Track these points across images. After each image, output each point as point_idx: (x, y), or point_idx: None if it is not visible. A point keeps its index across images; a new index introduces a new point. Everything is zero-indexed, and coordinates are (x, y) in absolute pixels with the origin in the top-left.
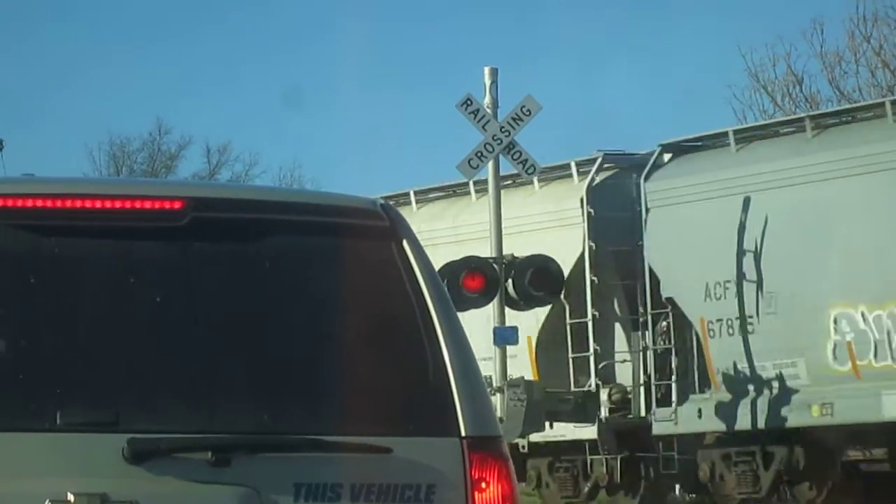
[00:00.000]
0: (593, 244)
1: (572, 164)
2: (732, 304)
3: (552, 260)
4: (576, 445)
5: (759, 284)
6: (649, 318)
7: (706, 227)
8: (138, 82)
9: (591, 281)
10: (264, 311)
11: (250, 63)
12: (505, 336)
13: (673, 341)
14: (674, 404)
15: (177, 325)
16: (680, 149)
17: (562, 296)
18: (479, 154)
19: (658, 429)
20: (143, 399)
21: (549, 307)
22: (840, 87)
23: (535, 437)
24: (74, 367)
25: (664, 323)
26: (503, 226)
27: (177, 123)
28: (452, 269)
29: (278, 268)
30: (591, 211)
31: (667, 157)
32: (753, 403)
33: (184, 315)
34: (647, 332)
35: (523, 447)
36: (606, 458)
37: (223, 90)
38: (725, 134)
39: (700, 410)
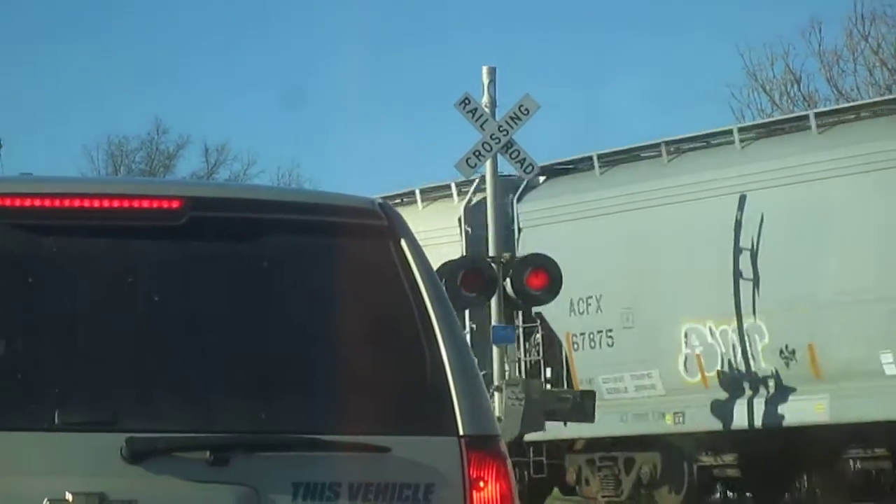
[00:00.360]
0: None
1: (452, 186)
2: (594, 318)
3: (550, 259)
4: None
5: (618, 300)
6: (521, 331)
7: (571, 245)
8: (136, 81)
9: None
10: (262, 310)
11: (248, 62)
12: (503, 335)
13: (542, 353)
14: None
15: (175, 324)
16: (552, 171)
17: None
18: (476, 153)
19: (530, 436)
20: (141, 398)
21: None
22: (838, 85)
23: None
24: (73, 366)
25: (537, 336)
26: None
27: (175, 123)
28: (451, 268)
29: (276, 267)
30: (469, 229)
31: (541, 179)
32: (616, 412)
33: (182, 314)
34: (520, 345)
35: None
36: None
37: (221, 90)
38: (590, 158)
39: None
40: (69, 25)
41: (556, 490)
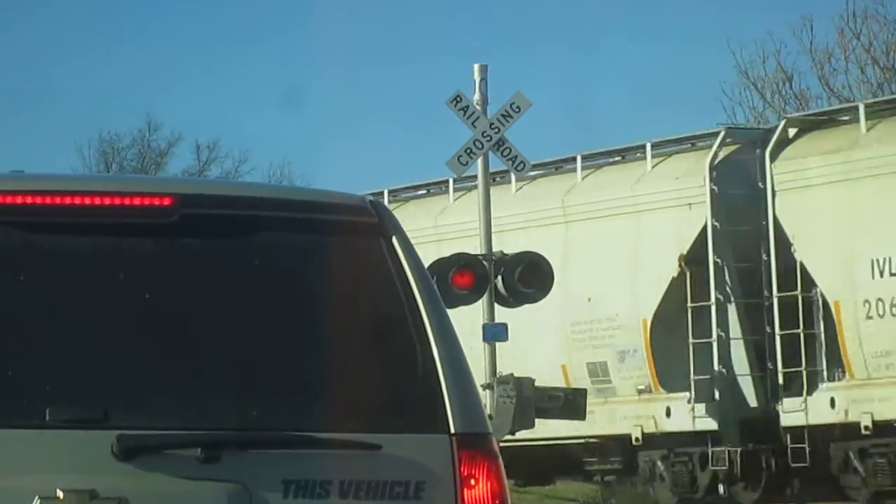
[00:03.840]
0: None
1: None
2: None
3: (542, 257)
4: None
5: None
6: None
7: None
8: (128, 79)
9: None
10: (253, 307)
11: (240, 60)
12: (494, 333)
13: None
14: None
15: (166, 321)
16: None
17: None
18: (468, 151)
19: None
20: (132, 395)
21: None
22: (830, 84)
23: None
24: (64, 363)
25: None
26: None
27: (167, 120)
28: (442, 265)
29: (267, 264)
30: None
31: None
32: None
33: (173, 312)
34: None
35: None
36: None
37: (213, 87)
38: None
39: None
40: (60, 22)
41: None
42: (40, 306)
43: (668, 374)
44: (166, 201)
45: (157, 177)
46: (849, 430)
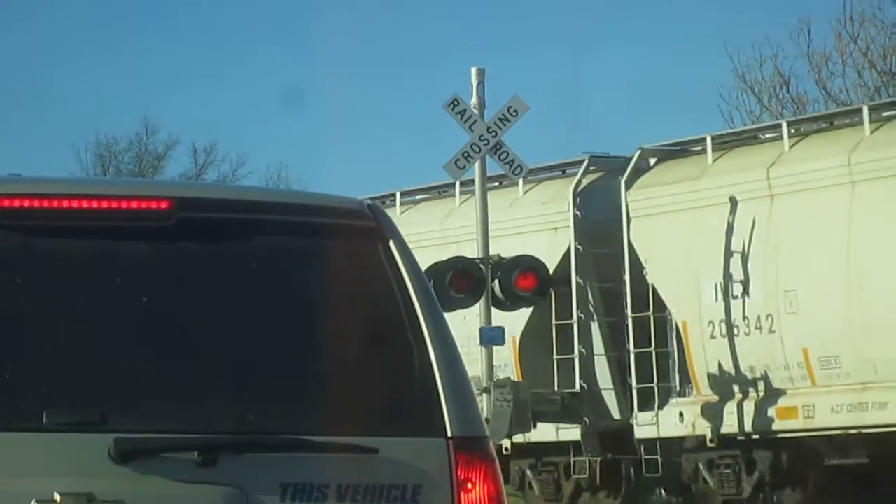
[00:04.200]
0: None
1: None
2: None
3: (538, 261)
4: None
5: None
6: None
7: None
8: (125, 82)
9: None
10: (251, 311)
11: (238, 63)
12: (491, 336)
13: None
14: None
15: (163, 325)
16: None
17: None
18: (465, 154)
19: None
20: (129, 399)
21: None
22: (827, 87)
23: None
24: (61, 366)
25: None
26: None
27: (164, 123)
28: (439, 269)
29: (265, 268)
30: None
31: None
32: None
33: (170, 315)
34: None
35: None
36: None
37: (210, 90)
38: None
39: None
40: (57, 25)
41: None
42: (37, 309)
43: (536, 388)
44: (163, 205)
45: (154, 180)
46: (696, 443)
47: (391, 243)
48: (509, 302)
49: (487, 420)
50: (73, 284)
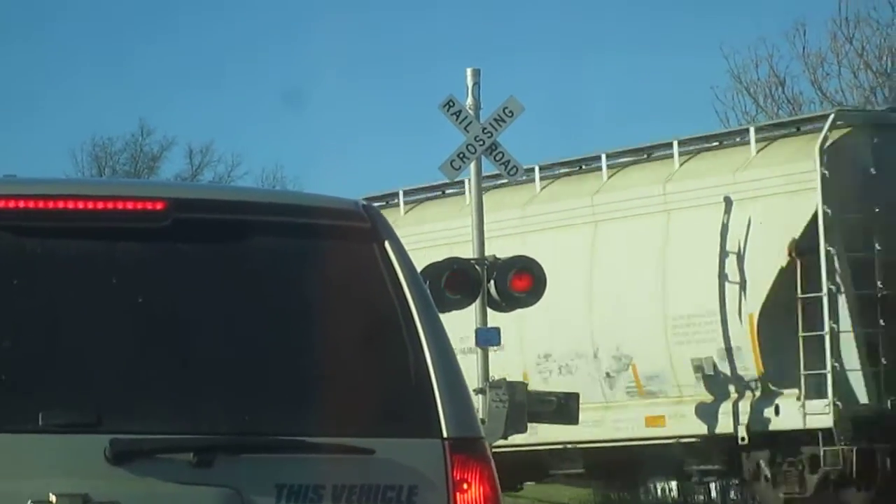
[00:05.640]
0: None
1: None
2: None
3: (534, 261)
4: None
5: None
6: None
7: None
8: (121, 83)
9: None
10: (246, 312)
11: (233, 64)
12: (487, 337)
13: None
14: None
15: (159, 325)
16: None
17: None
18: (461, 155)
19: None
20: (125, 400)
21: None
22: (822, 88)
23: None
24: (57, 367)
25: None
26: None
27: (159, 124)
28: (435, 270)
29: (260, 269)
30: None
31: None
32: None
33: (166, 316)
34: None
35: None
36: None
37: (206, 91)
38: None
39: None
40: (51, 25)
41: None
42: (33, 311)
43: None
44: (159, 205)
45: (150, 181)
46: None
47: (386, 244)
48: (505, 303)
49: (483, 421)
50: (69, 286)
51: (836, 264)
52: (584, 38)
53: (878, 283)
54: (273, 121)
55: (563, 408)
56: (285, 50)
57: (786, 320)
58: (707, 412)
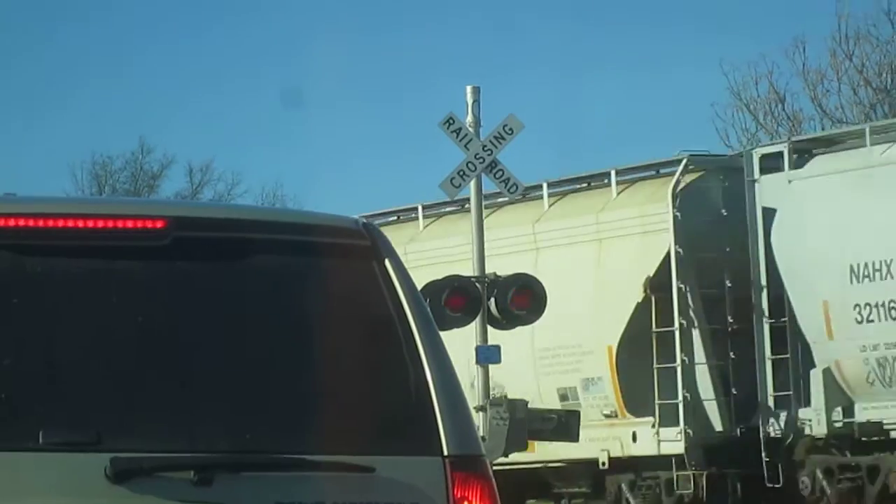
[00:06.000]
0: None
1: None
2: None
3: (535, 279)
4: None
5: None
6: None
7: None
8: (121, 101)
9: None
10: (247, 330)
11: (233, 82)
12: (488, 355)
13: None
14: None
15: (159, 344)
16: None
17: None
18: (461, 173)
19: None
20: (125, 418)
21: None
22: (822, 105)
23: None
24: (57, 386)
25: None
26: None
27: (159, 143)
28: (435, 288)
29: (260, 287)
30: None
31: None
32: None
33: (166, 334)
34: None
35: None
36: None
37: (206, 109)
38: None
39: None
40: (51, 43)
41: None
42: (32, 329)
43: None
44: (159, 224)
45: (150, 199)
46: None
47: (387, 262)
48: (505, 321)
49: (484, 438)
50: (69, 304)
51: (690, 300)
52: (584, 55)
53: (729, 317)
54: (273, 139)
55: (564, 425)
56: (285, 68)
57: (642, 353)
58: None
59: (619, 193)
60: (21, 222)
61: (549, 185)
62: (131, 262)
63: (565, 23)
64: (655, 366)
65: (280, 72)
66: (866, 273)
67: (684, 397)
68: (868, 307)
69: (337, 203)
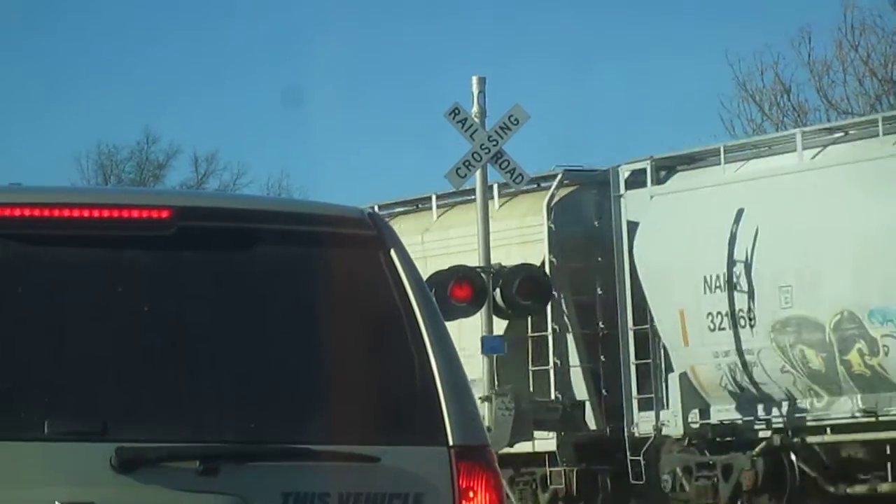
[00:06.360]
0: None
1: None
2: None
3: (540, 269)
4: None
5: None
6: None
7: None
8: (126, 91)
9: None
10: (252, 320)
11: (238, 72)
12: (493, 345)
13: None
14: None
15: (164, 334)
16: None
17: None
18: (466, 163)
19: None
20: (131, 408)
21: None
22: (828, 96)
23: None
24: (63, 376)
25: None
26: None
27: (165, 133)
28: (440, 278)
29: (266, 277)
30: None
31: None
32: None
33: (171, 324)
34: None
35: None
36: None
37: (211, 99)
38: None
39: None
40: (57, 33)
41: None
42: (39, 319)
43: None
44: (164, 214)
45: (155, 189)
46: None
47: (392, 252)
48: (511, 311)
49: (489, 429)
50: (74, 294)
51: (564, 307)
52: (590, 45)
53: (600, 323)
54: (278, 129)
55: (569, 415)
56: (290, 58)
57: (518, 355)
58: None
59: (501, 206)
60: (27, 212)
61: (438, 197)
62: (136, 252)
63: (571, 13)
64: (531, 368)
65: (286, 62)
66: (717, 284)
67: (556, 398)
68: (720, 315)
69: (342, 193)
